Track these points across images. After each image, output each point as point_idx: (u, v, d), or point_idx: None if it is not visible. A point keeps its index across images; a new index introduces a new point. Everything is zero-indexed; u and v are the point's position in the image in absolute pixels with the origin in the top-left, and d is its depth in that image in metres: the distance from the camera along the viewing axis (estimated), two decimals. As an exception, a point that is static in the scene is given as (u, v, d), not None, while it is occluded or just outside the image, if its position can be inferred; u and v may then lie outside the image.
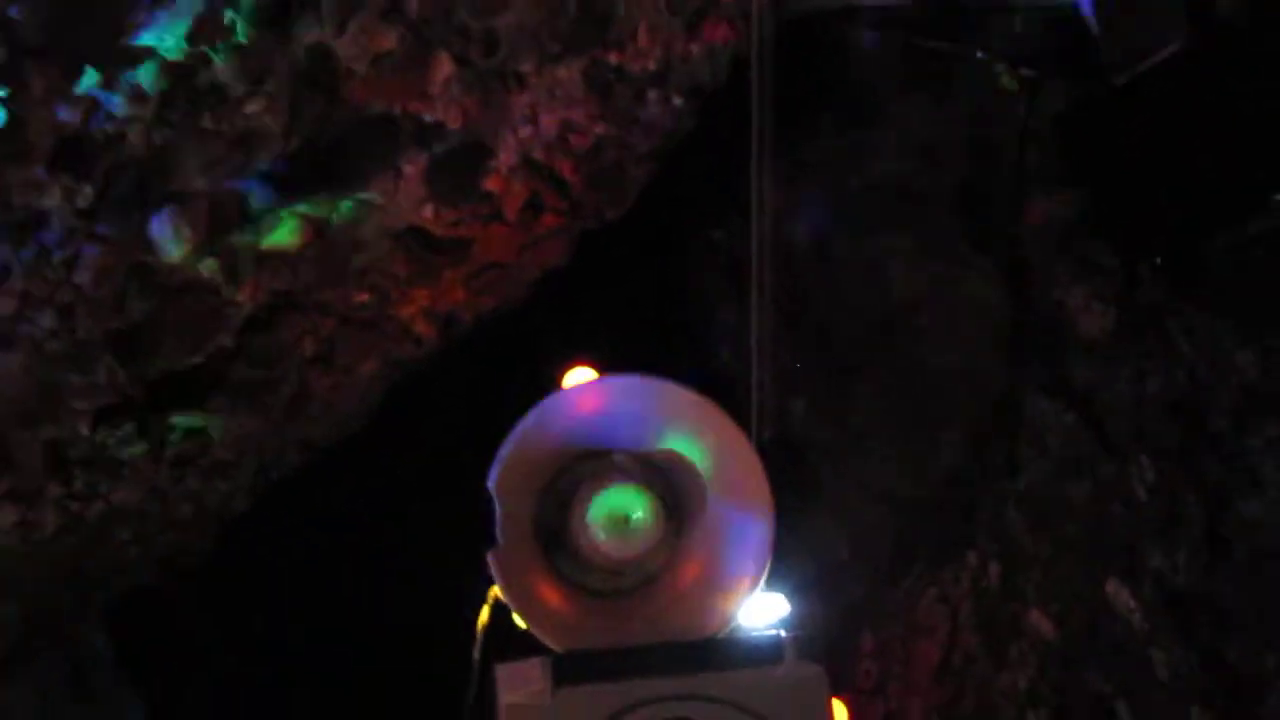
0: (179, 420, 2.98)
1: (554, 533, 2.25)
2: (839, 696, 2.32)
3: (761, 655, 2.15)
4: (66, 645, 3.37)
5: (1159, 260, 3.24)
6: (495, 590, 2.21)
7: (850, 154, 3.76)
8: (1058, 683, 3.30)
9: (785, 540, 2.23)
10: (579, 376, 2.33)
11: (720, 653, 2.16)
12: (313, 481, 3.53)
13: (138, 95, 2.40)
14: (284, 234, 2.76)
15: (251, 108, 2.54)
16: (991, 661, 3.43)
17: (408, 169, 2.88)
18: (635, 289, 3.77)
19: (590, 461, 2.27)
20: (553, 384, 2.24)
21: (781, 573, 2.39)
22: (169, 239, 2.55)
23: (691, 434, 2.25)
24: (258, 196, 2.67)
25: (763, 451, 2.31)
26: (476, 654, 2.22)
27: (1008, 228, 3.56)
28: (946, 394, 3.56)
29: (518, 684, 2.06)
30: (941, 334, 3.59)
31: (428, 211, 2.98)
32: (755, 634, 2.22)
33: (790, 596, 2.52)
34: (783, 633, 2.17)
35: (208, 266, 2.71)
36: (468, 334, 3.44)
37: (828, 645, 2.16)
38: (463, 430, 2.24)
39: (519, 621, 2.17)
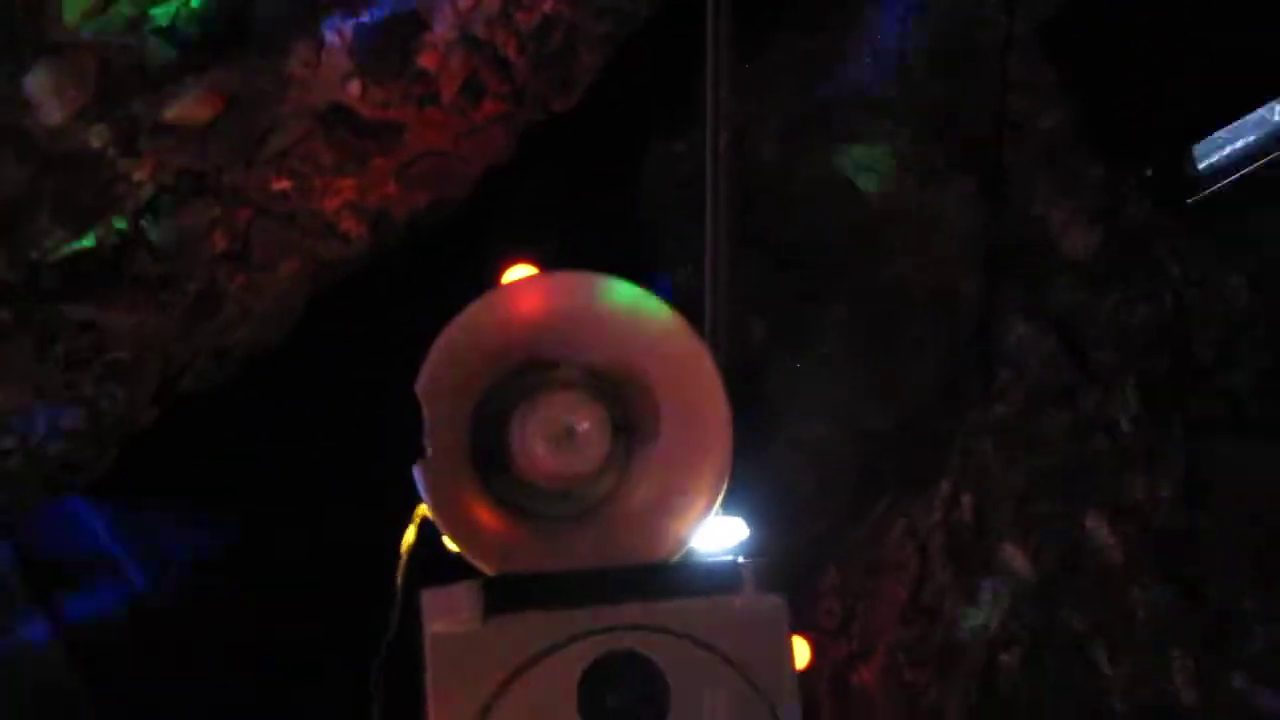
0: (67, 312, 2.73)
1: (491, 453, 2.06)
2: (800, 634, 2.18)
3: (717, 583, 1.97)
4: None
5: (1149, 172, 3.06)
6: (422, 508, 2.03)
7: (819, 61, 3.56)
8: (1032, 621, 3.17)
9: (744, 469, 2.06)
10: (519, 274, 2.15)
11: (672, 580, 1.99)
12: (229, 394, 3.31)
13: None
14: (188, 103, 2.51)
15: (142, -50, 2.29)
16: (962, 599, 3.30)
17: (331, 38, 2.64)
18: (587, 202, 3.56)
19: (531, 375, 2.08)
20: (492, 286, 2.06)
21: (740, 499, 2.23)
22: (48, 96, 2.29)
23: (644, 340, 2.06)
24: (157, 57, 2.42)
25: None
26: (400, 578, 2.02)
27: (987, 140, 3.38)
28: (919, 316, 3.39)
29: (445, 610, 1.87)
30: (915, 253, 3.42)
31: (354, 88, 2.74)
32: (711, 560, 2.06)
33: (749, 523, 2.34)
34: (740, 559, 1.98)
35: (97, 134, 2.45)
36: (402, 235, 3.21)
37: (788, 581, 1.97)
38: (395, 343, 2.03)
39: (449, 543, 1.98)
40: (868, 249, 3.44)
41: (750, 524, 2.33)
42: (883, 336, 3.42)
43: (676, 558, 1.99)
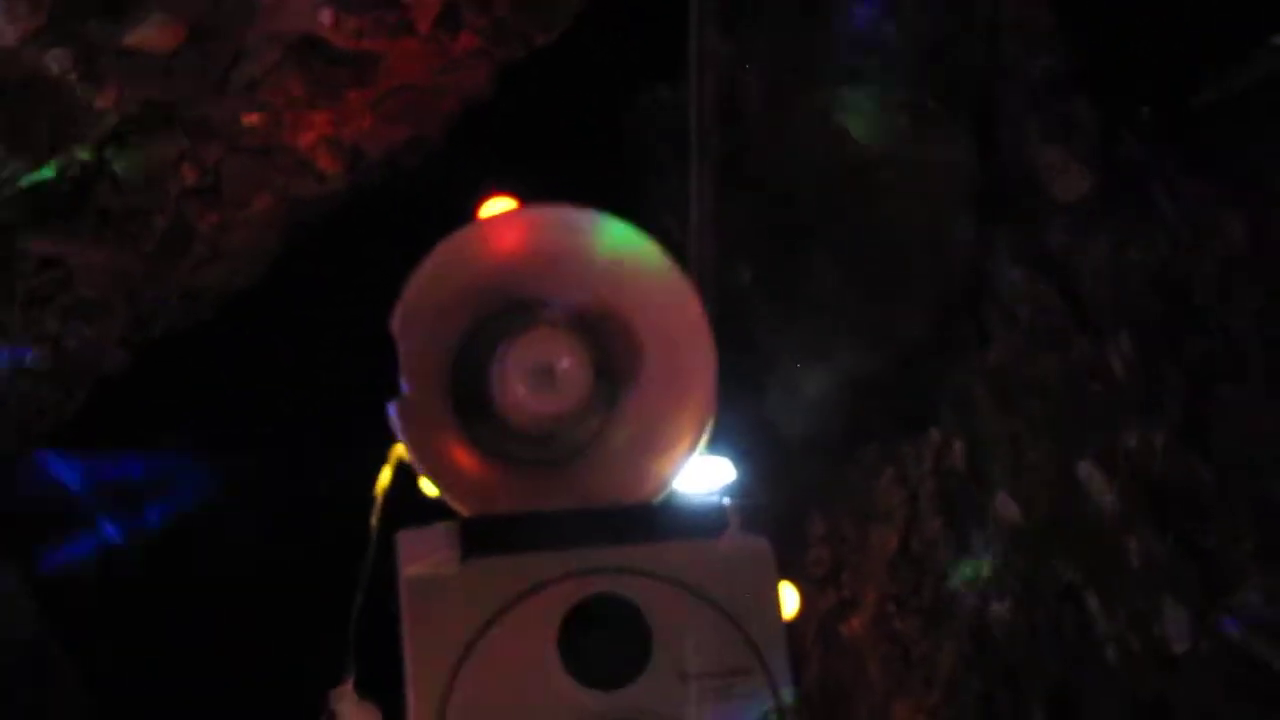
0: (31, 246, 2.65)
1: (473, 397, 2.01)
2: (788, 581, 2.13)
3: (701, 525, 1.91)
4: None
5: (1146, 111, 3.00)
6: (398, 449, 1.98)
7: (808, 2, 3.48)
8: (1023, 571, 3.12)
9: (730, 413, 2.01)
10: (497, 208, 2.09)
11: (654, 521, 1.93)
12: (203, 338, 3.24)
13: None
14: (151, 29, 2.42)
15: None
16: (953, 547, 3.25)
17: (301, -38, 2.57)
18: (570, 144, 3.49)
19: (512, 316, 2.03)
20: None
21: (725, 444, 2.18)
22: (0, 15, 2.21)
23: (628, 277, 2.00)
24: (116, -21, 2.34)
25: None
26: (375, 521, 1.97)
27: (979, 83, 3.31)
28: (909, 261, 3.32)
29: (422, 553, 1.81)
30: (905, 197, 3.35)
31: (325, 17, 2.65)
32: (695, 502, 2.00)
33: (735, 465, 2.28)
34: (726, 500, 1.93)
35: (55, 59, 2.37)
36: (379, 175, 3.14)
37: (775, 531, 1.92)
38: (374, 286, 1.98)
39: (426, 486, 1.93)
40: (857, 192, 3.37)
41: (736, 465, 2.27)
42: (872, 281, 3.36)
43: (660, 499, 1.94)
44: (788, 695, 1.87)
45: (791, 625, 2.08)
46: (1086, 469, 3.06)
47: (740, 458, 2.34)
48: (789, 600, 2.17)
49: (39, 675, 3.41)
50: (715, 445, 2.09)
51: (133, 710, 3.36)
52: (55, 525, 3.43)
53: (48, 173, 2.49)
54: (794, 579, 2.73)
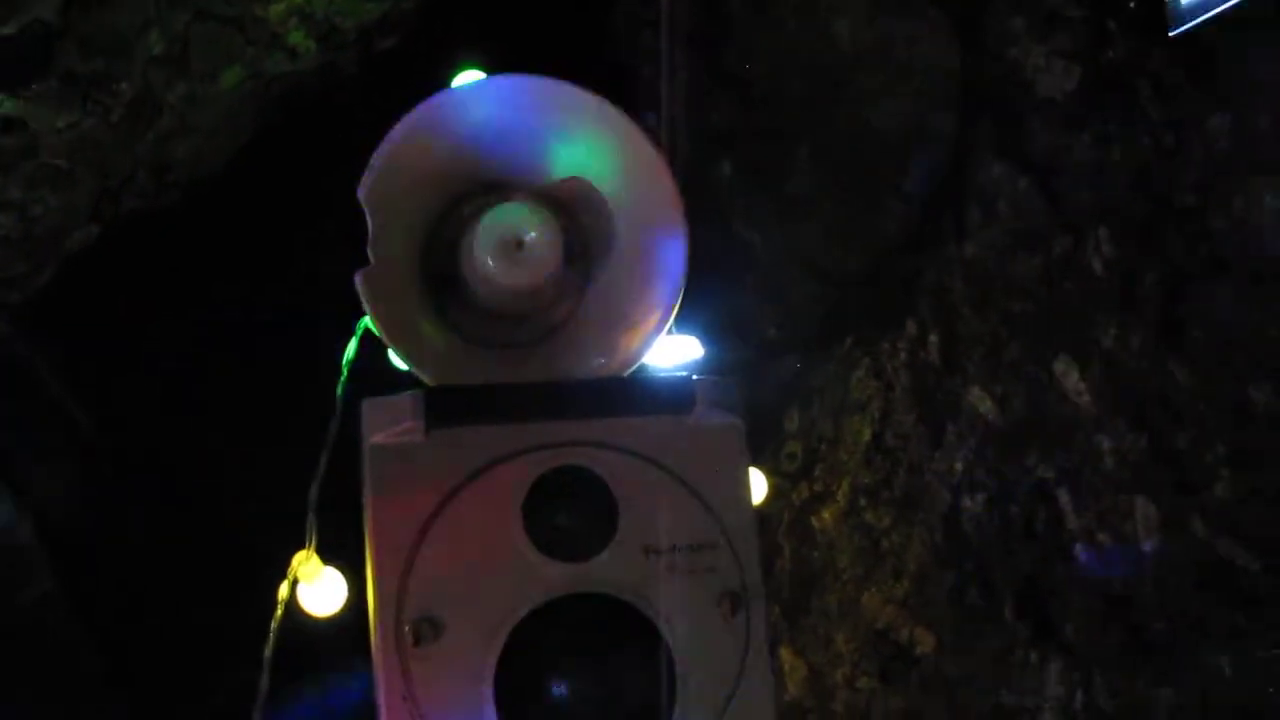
0: (-9, 108, 2.60)
1: (446, 281, 1.99)
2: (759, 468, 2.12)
3: (671, 401, 1.89)
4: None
5: (1132, 5, 2.95)
6: (365, 322, 1.96)
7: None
8: (996, 467, 3.12)
9: (706, 307, 1.98)
10: (468, 78, 2.06)
11: (623, 396, 1.91)
12: (175, 216, 3.19)
13: None
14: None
15: None
16: (927, 441, 3.24)
17: None
18: (550, 43, 3.43)
19: (485, 195, 2.00)
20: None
21: (698, 328, 2.16)
22: None
23: (599, 149, 1.97)
24: None
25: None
26: (340, 390, 1.96)
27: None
28: (891, 157, 3.28)
29: (387, 421, 1.79)
30: (887, 92, 3.30)
31: None
32: (664, 377, 1.99)
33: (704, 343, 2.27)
34: (695, 376, 1.91)
35: (15, -91, 2.31)
36: (354, 56, 3.06)
37: (749, 424, 1.90)
38: (348, 174, 1.95)
39: (395, 360, 1.92)
40: (839, 87, 3.33)
41: (705, 344, 2.26)
42: (853, 176, 3.33)
43: (628, 373, 1.93)
44: (753, 571, 1.87)
45: (764, 518, 2.07)
46: (1062, 366, 3.05)
47: (716, 351, 2.33)
48: (758, 486, 2.17)
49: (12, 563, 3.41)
50: (685, 325, 2.07)
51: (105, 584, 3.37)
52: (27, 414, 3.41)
53: (7, 29, 2.42)
54: (767, 474, 2.74)
